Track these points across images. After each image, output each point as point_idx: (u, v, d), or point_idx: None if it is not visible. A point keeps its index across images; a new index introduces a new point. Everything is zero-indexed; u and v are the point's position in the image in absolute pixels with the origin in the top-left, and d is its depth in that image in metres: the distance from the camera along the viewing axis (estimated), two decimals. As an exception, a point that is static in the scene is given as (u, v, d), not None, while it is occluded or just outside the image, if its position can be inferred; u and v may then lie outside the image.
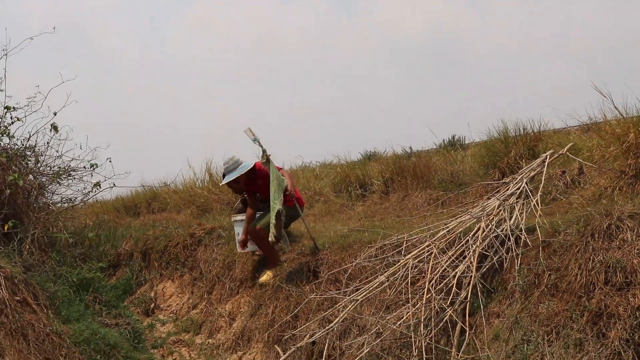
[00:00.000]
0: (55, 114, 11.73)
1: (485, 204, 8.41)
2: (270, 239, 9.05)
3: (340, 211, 12.38)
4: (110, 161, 12.58)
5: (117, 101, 49.87)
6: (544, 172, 8.57)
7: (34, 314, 8.54)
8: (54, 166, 12.34)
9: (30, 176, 11.97)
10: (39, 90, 11.64)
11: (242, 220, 9.88)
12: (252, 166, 9.57)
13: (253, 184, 9.70)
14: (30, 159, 12.09)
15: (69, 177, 12.47)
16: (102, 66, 56.16)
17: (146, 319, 10.44)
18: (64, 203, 12.66)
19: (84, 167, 12.37)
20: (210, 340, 9.67)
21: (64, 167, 12.32)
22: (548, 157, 8.86)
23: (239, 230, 9.97)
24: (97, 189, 12.52)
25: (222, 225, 11.18)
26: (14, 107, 11.62)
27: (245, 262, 10.17)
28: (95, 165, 12.29)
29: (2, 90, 11.62)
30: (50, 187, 12.46)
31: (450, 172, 12.10)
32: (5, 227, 10.24)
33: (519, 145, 11.22)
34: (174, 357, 9.53)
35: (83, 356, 8.51)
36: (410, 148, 16.76)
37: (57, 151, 12.18)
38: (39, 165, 12.23)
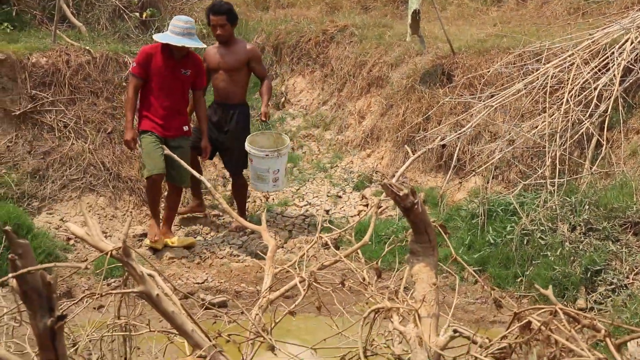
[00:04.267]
0: None
1: (636, 15, 7.99)
2: (407, 38, 9.05)
3: (474, 15, 11.99)
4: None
5: None
6: None
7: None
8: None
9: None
10: None
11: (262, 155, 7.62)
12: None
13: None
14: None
15: (203, -32, 12.44)
16: None
17: (277, 112, 10.67)
18: (199, -6, 12.73)
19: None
20: (339, 137, 9.84)
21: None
22: None
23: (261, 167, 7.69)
24: (230, -20, 12.47)
25: (354, 23, 11.04)
26: None
27: (376, 62, 10.12)
28: (227, -44, 12.17)
29: None
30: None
31: (595, -20, 11.45)
32: (144, 15, 10.42)
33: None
34: (303, 151, 9.79)
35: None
36: (551, -48, 15.86)
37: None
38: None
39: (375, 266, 3.03)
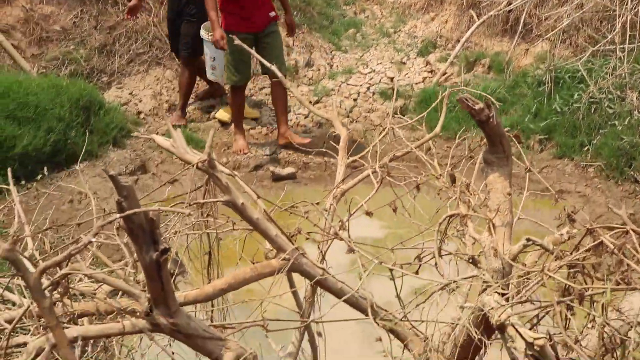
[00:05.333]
0: None
1: None
2: None
3: None
4: None
5: None
6: None
7: None
8: None
9: None
10: None
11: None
12: None
13: None
14: None
15: None
16: None
17: (338, -25, 10.48)
18: None
19: None
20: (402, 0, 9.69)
21: None
22: None
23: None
24: None
25: None
26: None
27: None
28: None
29: None
30: None
31: None
32: None
33: None
34: (366, 15, 9.68)
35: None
36: None
37: None
38: None
39: (451, 172, 3.11)
